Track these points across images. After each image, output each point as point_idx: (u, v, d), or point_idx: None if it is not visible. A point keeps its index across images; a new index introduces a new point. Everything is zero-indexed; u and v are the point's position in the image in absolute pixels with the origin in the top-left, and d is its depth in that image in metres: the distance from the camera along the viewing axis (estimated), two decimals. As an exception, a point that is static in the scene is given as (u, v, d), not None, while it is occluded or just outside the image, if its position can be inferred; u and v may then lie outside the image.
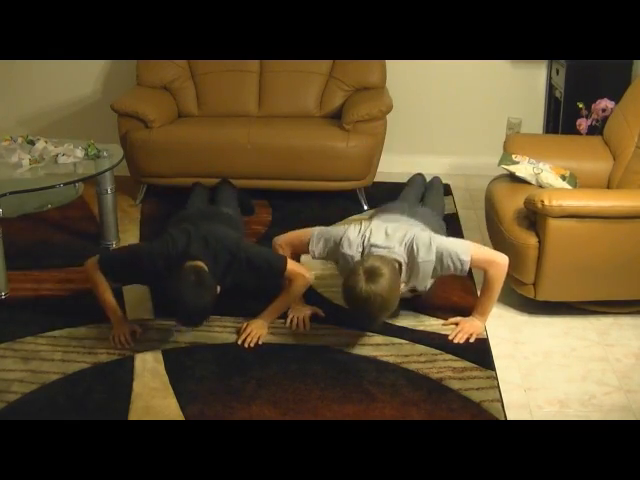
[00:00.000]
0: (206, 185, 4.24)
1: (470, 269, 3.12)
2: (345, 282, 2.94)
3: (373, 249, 3.07)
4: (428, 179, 4.23)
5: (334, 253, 3.18)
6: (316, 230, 3.24)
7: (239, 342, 3.10)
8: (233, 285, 3.16)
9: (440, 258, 3.06)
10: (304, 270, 3.22)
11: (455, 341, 3.10)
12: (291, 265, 3.17)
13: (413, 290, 3.21)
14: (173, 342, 3.14)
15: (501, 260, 3.13)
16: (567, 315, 3.35)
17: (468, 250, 3.08)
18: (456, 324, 3.20)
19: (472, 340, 3.11)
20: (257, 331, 3.13)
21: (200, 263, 2.99)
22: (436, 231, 3.30)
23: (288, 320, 3.25)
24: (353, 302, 2.90)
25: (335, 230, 3.23)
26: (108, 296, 3.18)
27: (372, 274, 2.86)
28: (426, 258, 3.04)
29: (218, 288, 3.00)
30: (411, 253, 3.05)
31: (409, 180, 4.22)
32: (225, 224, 3.39)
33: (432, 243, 3.06)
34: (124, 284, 3.43)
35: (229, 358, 3.02)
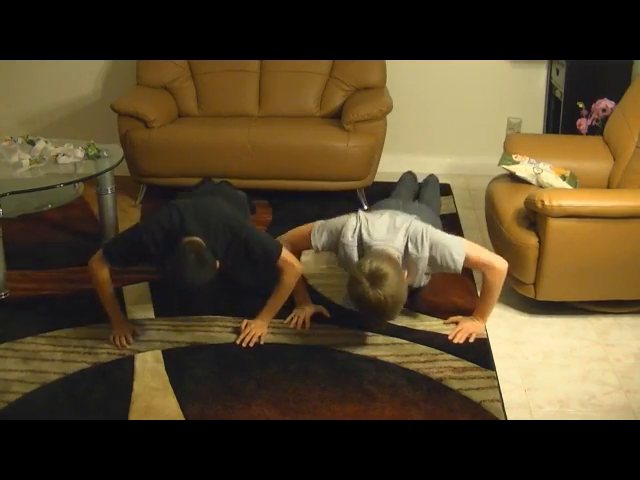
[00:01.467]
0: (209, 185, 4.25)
1: (472, 272, 3.11)
2: (351, 291, 2.90)
3: (371, 242, 3.04)
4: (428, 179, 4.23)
5: (335, 243, 3.16)
6: (317, 223, 3.23)
7: (237, 342, 3.10)
8: (233, 268, 3.12)
9: (434, 255, 3.03)
10: (295, 260, 3.19)
11: (455, 341, 3.10)
12: (284, 254, 3.12)
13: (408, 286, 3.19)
14: (173, 342, 3.14)
15: (499, 265, 3.09)
16: (567, 315, 3.35)
17: (463, 250, 3.04)
18: (456, 323, 3.20)
19: (472, 340, 3.11)
20: (256, 330, 3.13)
21: (198, 239, 2.93)
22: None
23: (289, 318, 3.24)
24: (366, 309, 2.88)
25: (336, 220, 3.20)
26: (110, 297, 3.16)
27: (375, 278, 2.81)
28: (419, 255, 3.02)
29: (217, 263, 2.95)
30: (406, 248, 3.03)
31: (400, 179, 4.20)
32: (232, 202, 3.33)
33: (425, 238, 3.01)
34: (130, 265, 3.32)
35: (229, 358, 3.02)
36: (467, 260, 3.05)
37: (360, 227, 3.09)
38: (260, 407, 2.73)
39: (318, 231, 3.20)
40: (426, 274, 3.16)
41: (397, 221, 3.08)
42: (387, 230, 3.05)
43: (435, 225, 3.30)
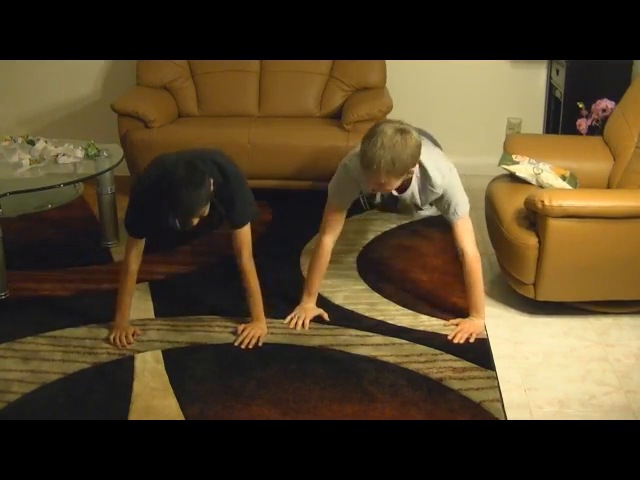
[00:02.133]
0: None
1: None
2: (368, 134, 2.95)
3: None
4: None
5: (353, 185, 3.21)
6: (328, 197, 3.29)
7: (236, 344, 3.10)
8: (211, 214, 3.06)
9: (443, 195, 3.12)
10: (249, 245, 3.17)
11: (455, 341, 3.10)
12: (247, 229, 3.11)
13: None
14: (173, 342, 3.14)
15: (474, 251, 3.19)
16: (567, 315, 3.35)
17: (466, 212, 3.17)
18: (456, 325, 3.21)
19: (472, 340, 3.11)
20: (255, 332, 3.13)
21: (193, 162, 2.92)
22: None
23: (288, 318, 3.24)
24: (372, 148, 2.88)
25: (337, 177, 3.26)
26: (129, 290, 3.17)
27: (401, 130, 2.90)
28: (438, 183, 3.10)
29: (211, 183, 2.92)
30: (424, 174, 3.09)
31: None
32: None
33: (445, 175, 3.10)
34: (153, 231, 3.25)
35: (229, 358, 3.02)
36: (458, 224, 3.15)
37: None
38: (260, 407, 2.73)
39: (332, 198, 3.27)
40: (430, 204, 3.26)
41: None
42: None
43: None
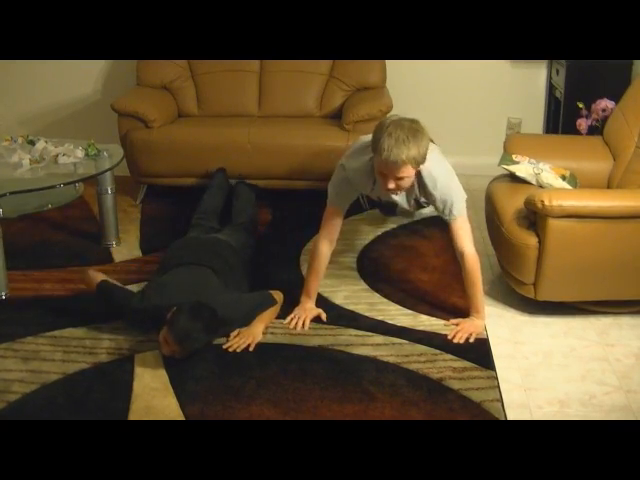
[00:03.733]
0: (222, 185, 4.24)
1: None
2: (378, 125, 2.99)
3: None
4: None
5: (350, 185, 3.23)
6: (328, 200, 3.30)
7: (224, 347, 3.07)
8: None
9: (439, 197, 3.12)
10: (277, 298, 3.28)
11: (455, 340, 3.10)
12: (270, 305, 3.22)
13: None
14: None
15: (473, 251, 3.18)
16: (567, 315, 3.35)
17: (462, 212, 3.15)
18: (456, 325, 3.20)
19: (472, 340, 3.11)
20: (246, 339, 3.09)
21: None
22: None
23: (288, 318, 3.24)
24: (384, 135, 2.90)
25: (335, 177, 3.27)
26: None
27: (412, 127, 2.91)
28: (429, 190, 3.11)
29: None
30: (421, 179, 3.10)
31: None
32: (217, 263, 3.34)
33: (437, 182, 3.10)
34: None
35: (229, 358, 3.02)
36: (456, 222, 3.15)
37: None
38: (260, 407, 2.73)
39: (332, 199, 3.28)
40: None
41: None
42: None
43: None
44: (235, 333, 3.13)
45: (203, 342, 2.97)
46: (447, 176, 3.16)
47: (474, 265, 3.18)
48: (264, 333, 3.16)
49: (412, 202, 3.33)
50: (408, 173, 2.95)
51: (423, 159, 2.97)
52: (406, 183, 3.01)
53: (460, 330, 3.14)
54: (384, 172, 2.97)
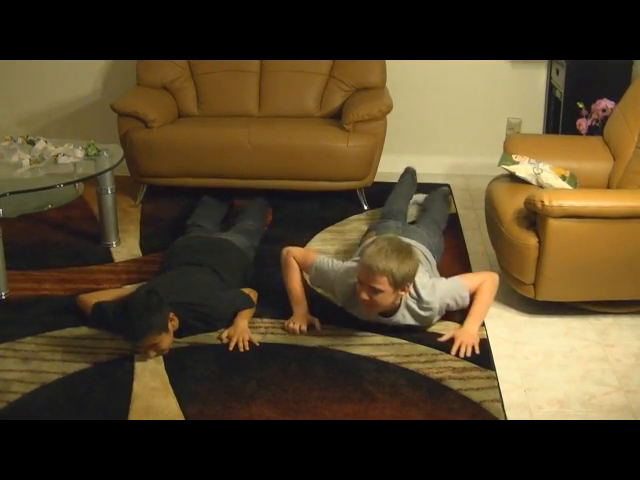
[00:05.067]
0: (212, 203, 4.26)
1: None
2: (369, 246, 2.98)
3: None
4: (432, 182, 4.25)
5: (330, 287, 3.23)
6: (317, 261, 3.24)
7: (230, 348, 3.07)
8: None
9: (445, 304, 3.13)
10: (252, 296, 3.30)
11: (461, 355, 3.01)
12: (246, 309, 3.22)
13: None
14: (173, 342, 3.13)
15: (490, 277, 3.23)
16: (567, 315, 3.35)
17: (464, 286, 3.17)
18: (452, 339, 3.11)
19: (477, 351, 3.04)
20: (243, 335, 3.10)
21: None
22: (432, 251, 3.39)
23: (286, 324, 3.22)
24: (371, 253, 2.90)
25: (332, 268, 3.20)
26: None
27: (401, 248, 2.91)
28: (430, 301, 3.08)
29: (174, 319, 3.01)
30: (417, 296, 3.07)
31: (399, 181, 4.33)
32: (218, 263, 3.35)
33: (436, 289, 3.10)
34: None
35: (229, 358, 3.02)
36: (469, 289, 3.18)
37: None
38: (260, 407, 2.73)
39: (315, 271, 3.24)
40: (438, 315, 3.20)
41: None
42: None
43: (436, 250, 3.42)
44: (225, 334, 3.13)
45: (160, 321, 2.93)
46: (444, 284, 3.17)
47: (489, 286, 3.22)
48: (264, 334, 3.17)
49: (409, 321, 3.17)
50: (383, 287, 2.88)
51: (403, 281, 2.90)
52: (381, 300, 2.92)
53: (461, 344, 3.06)
54: (361, 278, 2.94)
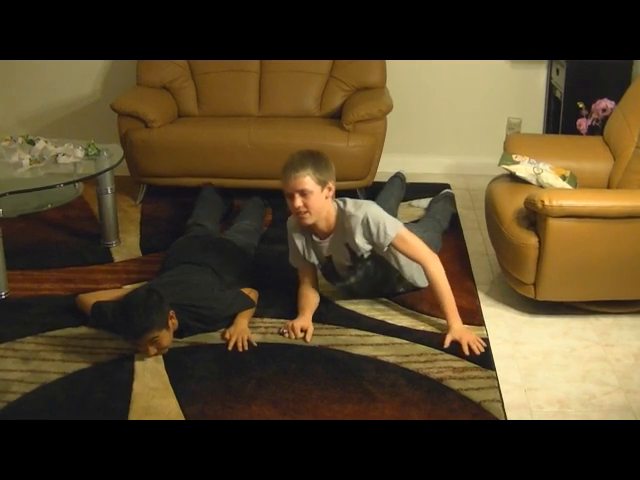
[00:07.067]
0: (212, 199, 4.26)
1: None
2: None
3: None
4: (431, 182, 4.25)
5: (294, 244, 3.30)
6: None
7: (230, 348, 3.06)
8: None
9: (368, 221, 3.08)
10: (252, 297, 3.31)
11: (476, 352, 3.00)
12: (245, 310, 3.23)
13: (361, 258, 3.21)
14: (173, 342, 3.13)
15: (433, 260, 3.15)
16: (567, 315, 3.35)
17: (397, 229, 3.11)
18: (455, 341, 3.08)
19: (482, 347, 3.03)
20: (243, 335, 3.10)
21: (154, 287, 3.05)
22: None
23: (282, 328, 3.20)
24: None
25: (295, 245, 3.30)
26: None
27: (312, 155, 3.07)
28: (354, 213, 3.10)
29: (174, 321, 3.02)
30: (345, 205, 3.14)
31: (387, 185, 4.35)
32: (218, 263, 3.36)
33: (365, 205, 3.13)
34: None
35: (229, 358, 3.02)
36: (401, 243, 3.12)
37: None
38: (260, 407, 2.73)
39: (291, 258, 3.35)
40: (364, 238, 3.14)
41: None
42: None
43: (428, 240, 3.38)
44: (227, 335, 3.13)
45: (160, 318, 2.93)
46: (375, 206, 3.17)
47: (437, 274, 3.13)
48: (264, 334, 3.17)
49: (346, 253, 3.19)
50: (310, 186, 3.01)
51: (323, 176, 3.03)
52: (313, 203, 3.02)
53: (467, 342, 3.04)
54: (287, 191, 3.04)
